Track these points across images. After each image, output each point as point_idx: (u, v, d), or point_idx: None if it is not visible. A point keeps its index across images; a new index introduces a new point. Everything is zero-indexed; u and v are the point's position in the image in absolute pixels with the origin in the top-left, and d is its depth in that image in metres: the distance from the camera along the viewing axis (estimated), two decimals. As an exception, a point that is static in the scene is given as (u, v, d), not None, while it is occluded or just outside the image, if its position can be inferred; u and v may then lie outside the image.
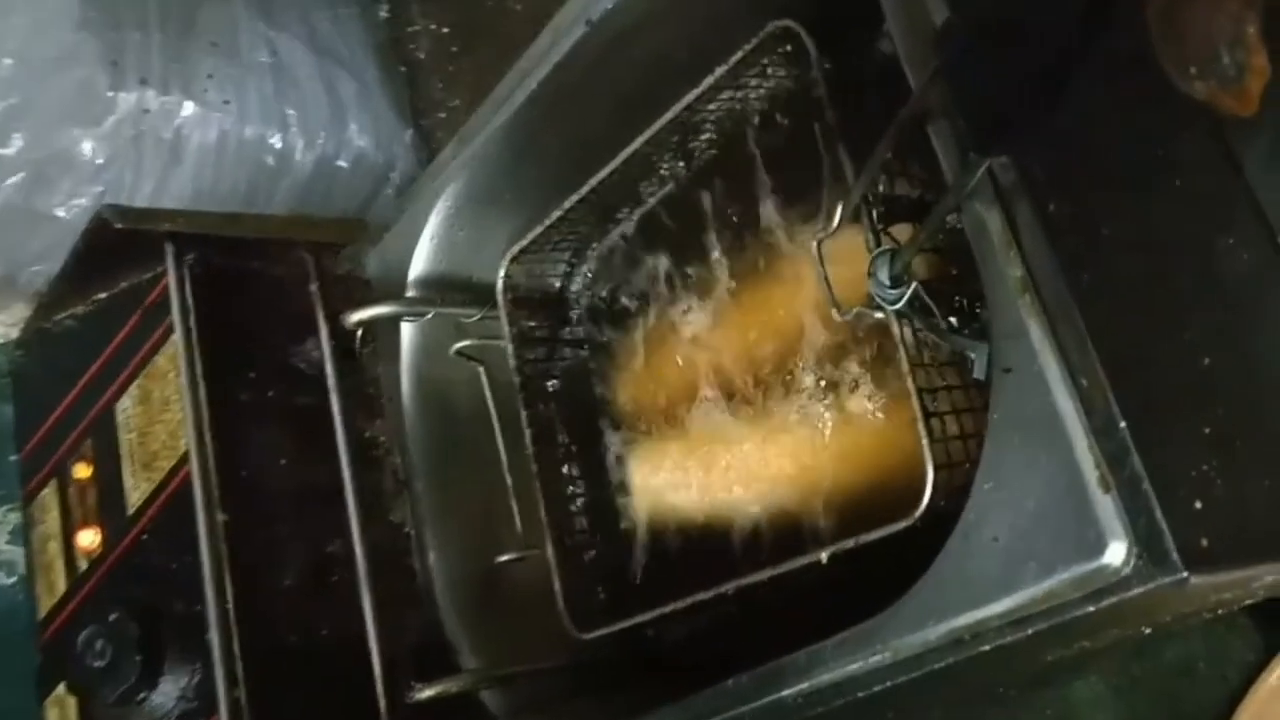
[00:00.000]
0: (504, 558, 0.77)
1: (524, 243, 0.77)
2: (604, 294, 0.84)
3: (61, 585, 0.83)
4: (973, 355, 0.54)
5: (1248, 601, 0.55)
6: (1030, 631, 0.48)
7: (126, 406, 0.84)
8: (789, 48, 0.66)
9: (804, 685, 0.56)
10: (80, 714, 0.79)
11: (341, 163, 0.97)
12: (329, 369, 0.81)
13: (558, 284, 0.84)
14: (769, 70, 0.69)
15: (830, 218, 0.57)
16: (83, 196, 0.89)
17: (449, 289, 0.83)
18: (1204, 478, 0.47)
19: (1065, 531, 0.46)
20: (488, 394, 0.80)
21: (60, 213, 0.89)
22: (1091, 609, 0.47)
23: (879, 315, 0.58)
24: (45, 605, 0.84)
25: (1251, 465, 0.50)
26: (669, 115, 0.69)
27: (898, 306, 0.56)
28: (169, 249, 0.80)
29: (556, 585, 0.72)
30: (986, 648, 0.50)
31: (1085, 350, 0.47)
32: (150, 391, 0.83)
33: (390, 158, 1.00)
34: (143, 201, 0.92)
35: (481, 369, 0.80)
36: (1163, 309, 0.53)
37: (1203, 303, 0.55)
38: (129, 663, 0.73)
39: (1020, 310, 0.48)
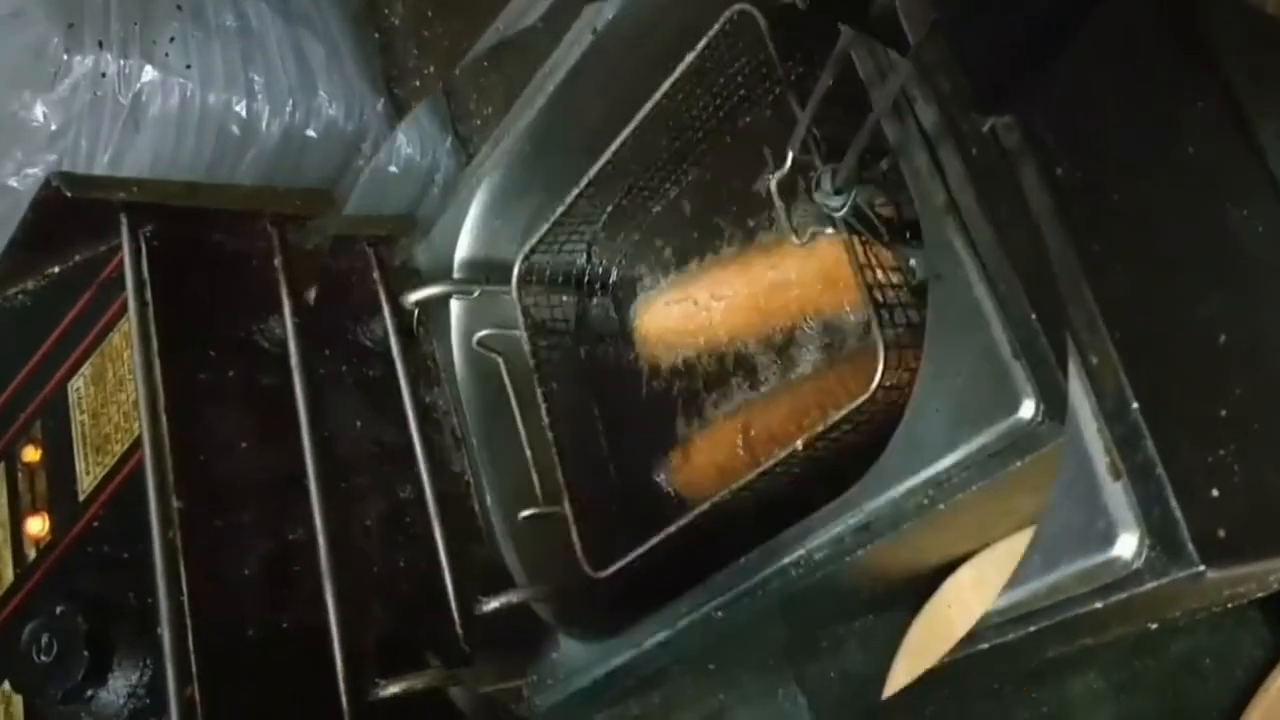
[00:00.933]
0: (526, 513, 0.84)
1: (534, 240, 0.85)
2: (619, 276, 0.91)
3: (9, 575, 0.80)
4: (913, 260, 0.65)
5: (1260, 594, 0.52)
6: (1033, 629, 0.47)
7: (79, 386, 0.80)
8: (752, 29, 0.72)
9: (801, 552, 0.63)
10: (26, 713, 0.75)
11: (310, 132, 0.93)
12: (394, 344, 0.87)
13: (574, 270, 0.91)
14: (740, 53, 0.75)
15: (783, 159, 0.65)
16: (36, 165, 0.84)
17: (490, 270, 0.89)
18: (1221, 463, 0.47)
19: (989, 395, 0.53)
20: (506, 380, 0.87)
21: (12, 182, 0.85)
22: (1099, 605, 0.47)
23: (830, 232, 0.66)
24: (-11, 597, 0.80)
25: (1270, 450, 0.50)
26: (650, 104, 0.76)
27: (842, 213, 0.63)
28: (124, 219, 0.77)
29: (575, 536, 0.79)
30: (943, 505, 0.55)
31: (1095, 327, 0.48)
32: (104, 370, 0.79)
33: (361, 127, 0.96)
34: (100, 171, 0.88)
35: (500, 358, 0.88)
36: (1176, 283, 0.53)
37: (1217, 277, 0.56)
38: (76, 659, 0.70)
39: (946, 230, 0.54)
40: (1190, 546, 0.44)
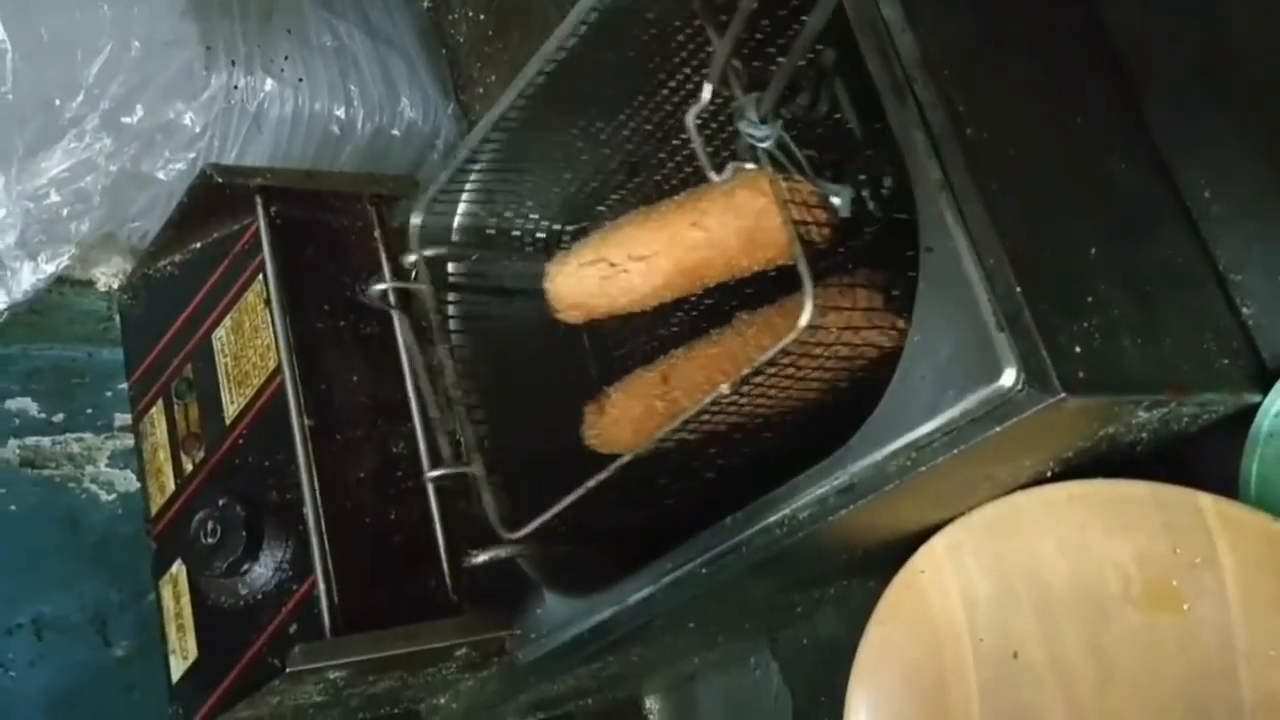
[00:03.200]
0: (434, 473, 0.86)
1: (435, 189, 0.87)
2: (546, 232, 0.96)
3: (170, 486, 0.98)
4: (837, 198, 0.66)
5: (1131, 440, 0.69)
6: (956, 450, 0.62)
7: (221, 335, 0.98)
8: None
9: (786, 512, 0.69)
10: (191, 588, 0.94)
11: (395, 132, 1.12)
12: (392, 302, 0.93)
13: (494, 226, 0.94)
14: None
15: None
16: (179, 161, 1.04)
17: (486, 236, 0.95)
18: (1084, 332, 0.61)
19: (972, 364, 0.59)
20: (399, 337, 0.89)
21: (160, 175, 1.04)
22: (998, 429, 0.60)
23: (751, 166, 0.67)
24: (156, 504, 0.99)
25: (1122, 328, 0.64)
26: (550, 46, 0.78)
27: (767, 144, 0.64)
28: (259, 200, 0.96)
29: (486, 497, 0.82)
30: (924, 469, 0.64)
31: (992, 238, 0.61)
32: (242, 322, 0.97)
33: (435, 127, 1.16)
34: (227, 163, 1.07)
35: (395, 313, 0.90)
36: (1059, 211, 0.67)
37: (1097, 208, 0.70)
38: (236, 538, 0.87)
39: (940, 204, 0.62)
40: (1055, 380, 0.57)
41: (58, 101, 0.91)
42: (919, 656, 0.76)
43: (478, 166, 0.88)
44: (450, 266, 0.92)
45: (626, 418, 0.83)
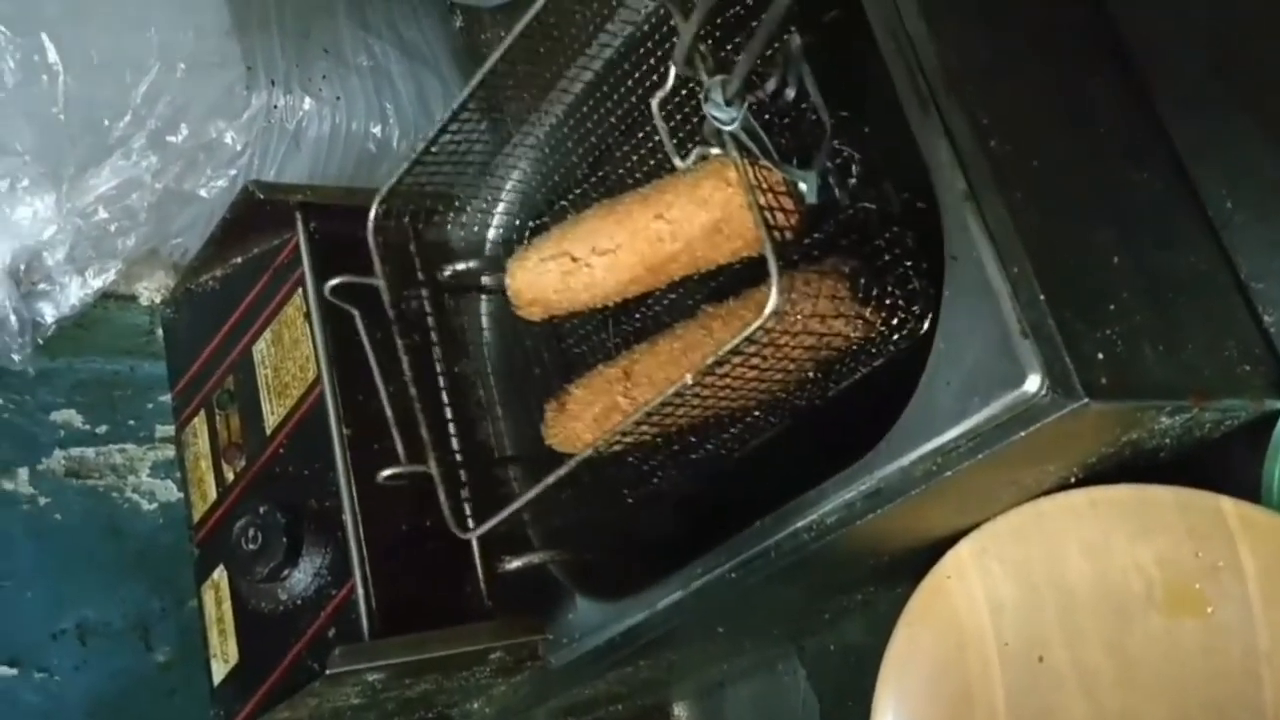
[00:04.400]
0: (387, 472, 0.85)
1: (393, 180, 0.86)
2: (506, 227, 0.97)
3: (212, 494, 1.01)
4: (803, 184, 0.66)
5: (1153, 445, 0.70)
6: (982, 455, 0.63)
7: (261, 348, 1.01)
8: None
9: (814, 517, 0.71)
10: (232, 593, 0.96)
11: (433, 148, 1.15)
12: (429, 315, 0.95)
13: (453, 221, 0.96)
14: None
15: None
16: (221, 179, 1.06)
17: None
18: (1106, 339, 0.63)
19: (997, 370, 0.61)
20: (362, 333, 0.88)
21: (202, 192, 1.07)
22: (1023, 433, 0.61)
23: (716, 152, 0.66)
24: (199, 511, 1.01)
25: (1144, 335, 0.65)
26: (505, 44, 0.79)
27: (734, 127, 0.63)
28: (299, 216, 0.98)
29: (442, 496, 0.82)
30: (950, 474, 0.66)
31: (1016, 247, 0.62)
32: (282, 335, 0.99)
33: (469, 145, 1.18)
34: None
35: (356, 311, 0.89)
36: (1083, 219, 0.68)
37: (1118, 217, 0.71)
38: (277, 544, 0.89)
39: (964, 214, 0.63)
40: (1079, 387, 0.58)
41: (106, 121, 0.94)
42: (945, 660, 0.77)
43: (437, 161, 0.88)
44: (416, 262, 0.93)
45: (587, 415, 0.83)
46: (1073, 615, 0.73)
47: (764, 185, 0.65)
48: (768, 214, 0.63)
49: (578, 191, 0.95)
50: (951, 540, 0.76)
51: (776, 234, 0.62)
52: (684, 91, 0.73)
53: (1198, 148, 0.77)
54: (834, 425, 0.78)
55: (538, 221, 0.98)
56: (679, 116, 0.79)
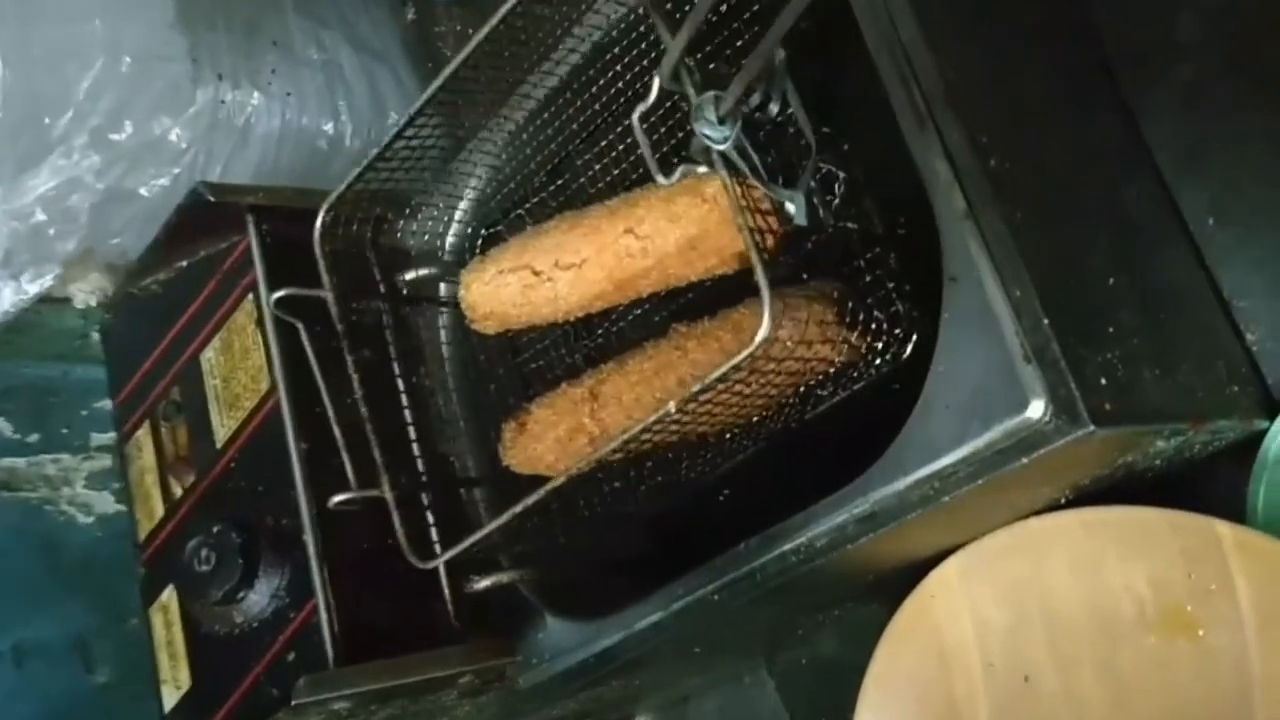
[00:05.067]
0: (339, 498, 0.81)
1: (341, 189, 0.83)
2: (459, 235, 0.94)
3: (159, 510, 0.96)
4: (790, 204, 0.64)
5: (1145, 467, 0.70)
6: (981, 481, 0.62)
7: (210, 356, 0.96)
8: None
9: (802, 540, 0.69)
10: (183, 616, 0.92)
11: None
12: (387, 324, 0.91)
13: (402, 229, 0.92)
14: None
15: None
16: (163, 177, 1.01)
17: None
18: (1108, 363, 0.62)
19: (999, 395, 0.59)
20: (307, 348, 0.84)
21: (143, 191, 1.01)
22: (1025, 460, 0.60)
23: (702, 170, 0.64)
24: (145, 529, 0.97)
25: (1143, 357, 0.64)
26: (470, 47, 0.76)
27: (725, 146, 0.61)
28: (250, 219, 0.93)
29: (396, 523, 0.79)
30: (947, 498, 0.65)
31: (1018, 269, 0.61)
32: (231, 343, 0.95)
33: (424, 143, 1.14)
34: (211, 179, 1.05)
35: (300, 324, 0.85)
36: (1079, 239, 0.67)
37: (1111, 236, 0.70)
38: (232, 566, 0.85)
39: (964, 234, 0.61)
40: (1085, 415, 0.57)
41: (47, 119, 0.88)
42: (928, 680, 0.76)
43: (390, 166, 0.84)
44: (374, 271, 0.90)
45: (550, 436, 0.81)
46: (1061, 636, 0.72)
47: (750, 205, 0.63)
48: (757, 236, 0.61)
49: (535, 200, 0.92)
50: (936, 558, 0.75)
51: (766, 256, 0.60)
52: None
53: (1180, 164, 0.77)
54: (808, 444, 0.78)
55: (491, 230, 0.95)
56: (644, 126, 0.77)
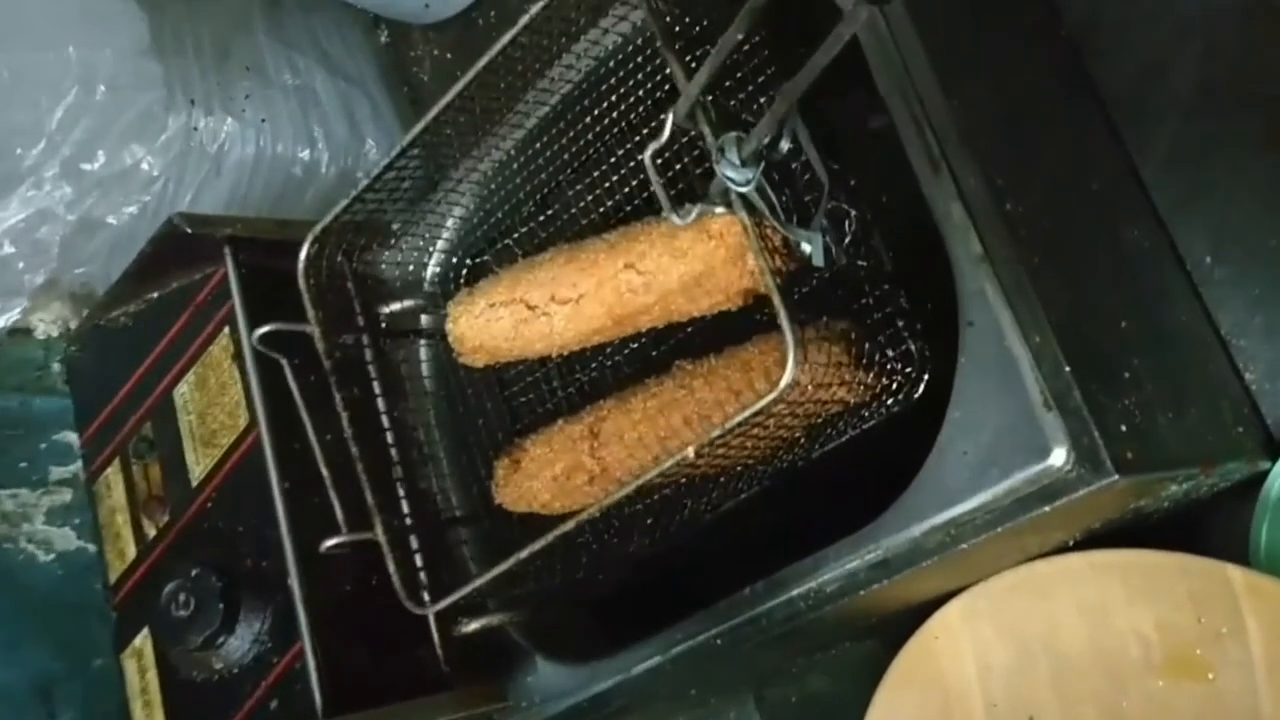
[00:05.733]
0: (330, 542, 0.78)
1: (326, 220, 0.80)
2: (443, 265, 0.92)
3: (131, 552, 0.93)
4: (808, 246, 0.63)
5: (1153, 509, 0.70)
6: (1000, 529, 0.62)
7: (184, 391, 0.93)
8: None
9: (812, 585, 0.68)
10: (159, 661, 0.89)
11: (360, 174, 1.08)
12: (371, 349, 0.88)
13: (388, 260, 0.90)
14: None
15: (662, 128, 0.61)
16: (133, 206, 0.98)
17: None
18: (1126, 410, 0.62)
19: (1019, 443, 0.59)
20: (292, 386, 0.82)
21: (111, 219, 0.98)
22: (1047, 508, 0.60)
23: (720, 210, 0.63)
24: (116, 570, 0.93)
25: (1157, 402, 0.65)
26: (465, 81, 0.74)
27: (748, 188, 0.60)
28: (228, 251, 0.91)
29: (391, 566, 0.76)
30: (964, 545, 0.64)
31: (1037, 314, 0.61)
32: (207, 378, 0.92)
33: (401, 170, 1.12)
34: (181, 208, 1.02)
35: (284, 360, 0.83)
36: (1092, 283, 0.68)
37: (1118, 279, 0.71)
38: (212, 611, 0.83)
39: (980, 278, 0.61)
40: (1109, 464, 0.57)
41: (18, 149, 0.85)
42: (930, 721, 0.75)
43: (375, 197, 0.82)
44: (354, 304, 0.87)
45: (545, 474, 0.79)
46: (1066, 677, 0.72)
47: (769, 246, 0.62)
48: (779, 279, 0.60)
49: (523, 230, 0.90)
50: (939, 599, 0.74)
51: (788, 298, 0.59)
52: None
53: (1178, 206, 0.77)
54: (813, 485, 0.75)
55: (477, 260, 0.93)
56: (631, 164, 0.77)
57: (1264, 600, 0.66)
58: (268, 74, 1.05)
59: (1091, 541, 0.71)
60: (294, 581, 0.82)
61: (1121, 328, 0.66)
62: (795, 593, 0.70)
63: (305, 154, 1.04)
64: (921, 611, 0.75)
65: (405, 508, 0.86)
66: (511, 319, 0.78)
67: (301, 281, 0.81)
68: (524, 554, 0.70)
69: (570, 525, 0.68)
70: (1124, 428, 0.60)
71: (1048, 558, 0.72)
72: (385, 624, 0.86)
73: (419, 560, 0.82)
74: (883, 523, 0.65)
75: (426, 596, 0.79)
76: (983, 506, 0.61)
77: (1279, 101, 0.75)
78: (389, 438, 0.87)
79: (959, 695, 0.75)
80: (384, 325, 0.90)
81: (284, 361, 0.84)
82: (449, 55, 1.10)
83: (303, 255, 0.81)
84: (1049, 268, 0.63)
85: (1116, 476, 0.58)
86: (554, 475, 0.79)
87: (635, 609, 0.83)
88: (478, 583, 0.73)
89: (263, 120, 1.01)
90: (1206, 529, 0.75)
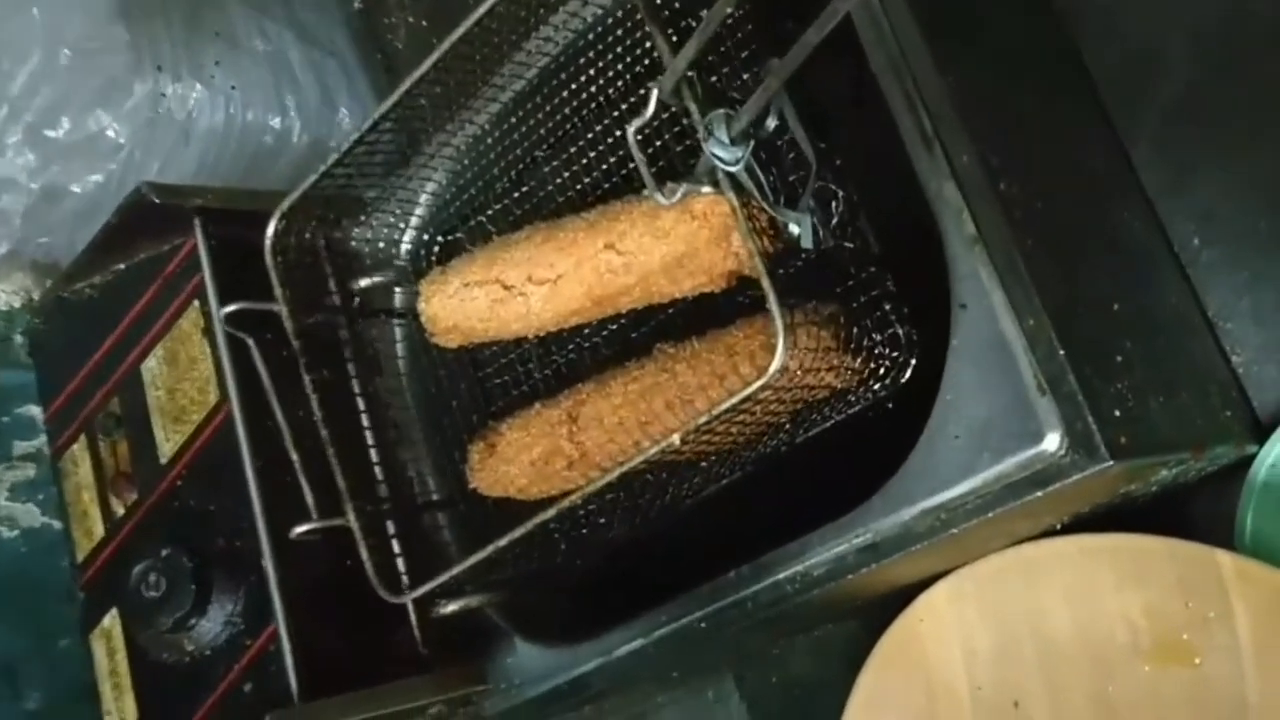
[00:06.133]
0: (300, 529, 0.77)
1: (294, 196, 0.78)
2: (414, 243, 0.89)
3: (99, 530, 0.91)
4: (795, 227, 0.62)
5: (1141, 493, 0.70)
6: (991, 514, 0.61)
7: (152, 366, 0.91)
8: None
9: (799, 568, 0.67)
10: (128, 643, 0.87)
11: (333, 143, 1.06)
12: (347, 328, 0.87)
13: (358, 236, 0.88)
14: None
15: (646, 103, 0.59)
16: (98, 174, 0.95)
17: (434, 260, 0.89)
18: (1119, 394, 0.61)
19: (1012, 427, 0.58)
20: (260, 367, 0.80)
21: (76, 189, 0.96)
22: (1040, 493, 0.59)
23: (706, 190, 0.61)
24: (84, 549, 0.91)
25: (1148, 386, 0.64)
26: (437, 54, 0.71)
27: (738, 167, 0.58)
28: (197, 222, 0.88)
29: (364, 553, 0.75)
30: (955, 530, 0.63)
31: (1031, 297, 0.60)
32: (176, 352, 0.90)
33: (375, 139, 1.09)
34: (149, 177, 0.99)
35: (250, 340, 0.81)
36: (1084, 265, 0.66)
37: (1109, 261, 0.70)
38: (184, 592, 0.81)
39: (974, 260, 0.60)
40: (1103, 449, 0.56)
41: (-21, 116, 0.82)
42: (915, 704, 0.75)
43: (346, 171, 0.80)
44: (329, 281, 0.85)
45: (523, 459, 0.77)
46: (1052, 662, 0.72)
47: (756, 227, 0.60)
48: (767, 261, 0.58)
49: (497, 207, 0.87)
50: (923, 583, 0.74)
51: (776, 280, 0.57)
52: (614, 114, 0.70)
53: (1167, 188, 0.76)
54: (797, 470, 0.74)
55: (449, 237, 0.90)
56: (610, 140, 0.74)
57: (1252, 585, 0.66)
58: (238, 40, 1.02)
59: (1079, 525, 0.71)
60: (267, 562, 0.80)
61: (1114, 311, 0.65)
62: (782, 576, 0.69)
63: (276, 122, 1.02)
64: (906, 594, 0.74)
65: (384, 491, 0.84)
66: (487, 299, 0.76)
67: (269, 259, 0.79)
68: (503, 542, 0.68)
69: (551, 513, 0.66)
70: (1117, 412, 0.60)
71: (1036, 541, 0.71)
72: (362, 605, 0.84)
73: (396, 545, 0.80)
74: (872, 506, 0.64)
75: (405, 581, 0.77)
76: (974, 491, 0.60)
77: (1269, 84, 0.74)
78: (361, 420, 0.85)
79: (944, 678, 0.74)
80: (358, 302, 0.88)
81: (250, 341, 0.82)
82: (424, 23, 1.08)
83: (269, 232, 0.79)
84: (1042, 250, 0.62)
85: (1111, 461, 0.57)
86: (531, 460, 0.77)
87: (617, 591, 0.82)
88: (453, 572, 0.72)
89: (233, 87, 0.98)
90: (1191, 513, 0.74)
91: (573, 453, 0.76)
